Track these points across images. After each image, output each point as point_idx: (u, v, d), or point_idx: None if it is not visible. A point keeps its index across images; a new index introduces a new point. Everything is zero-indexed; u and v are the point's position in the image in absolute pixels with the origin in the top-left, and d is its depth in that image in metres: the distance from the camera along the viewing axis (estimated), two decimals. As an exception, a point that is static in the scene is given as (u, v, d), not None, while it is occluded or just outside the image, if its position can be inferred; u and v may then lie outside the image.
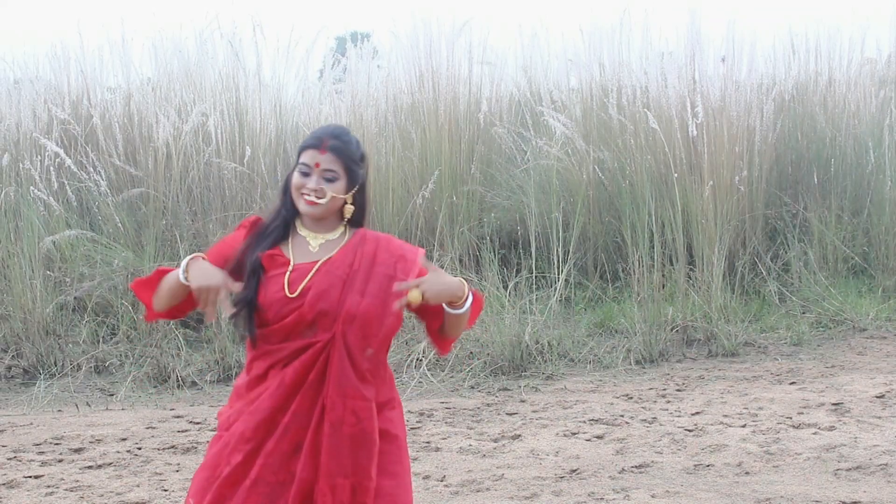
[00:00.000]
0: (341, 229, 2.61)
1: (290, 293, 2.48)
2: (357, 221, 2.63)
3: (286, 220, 2.59)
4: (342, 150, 2.55)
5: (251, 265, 2.51)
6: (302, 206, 2.55)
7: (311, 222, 2.58)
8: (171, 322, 6.95)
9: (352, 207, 2.59)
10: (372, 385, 2.50)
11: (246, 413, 2.47)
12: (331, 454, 2.43)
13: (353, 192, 2.59)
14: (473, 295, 2.58)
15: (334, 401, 2.45)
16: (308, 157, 2.54)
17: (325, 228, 2.59)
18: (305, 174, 2.54)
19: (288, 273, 2.50)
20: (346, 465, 2.43)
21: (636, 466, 4.75)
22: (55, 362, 6.74)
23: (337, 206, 2.57)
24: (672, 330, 7.26)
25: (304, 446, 2.43)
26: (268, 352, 2.50)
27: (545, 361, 6.82)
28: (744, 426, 5.35)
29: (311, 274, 2.50)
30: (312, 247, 2.56)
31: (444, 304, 2.54)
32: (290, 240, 2.58)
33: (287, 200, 2.59)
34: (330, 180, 2.53)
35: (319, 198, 2.53)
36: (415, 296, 2.45)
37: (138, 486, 4.58)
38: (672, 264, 7.63)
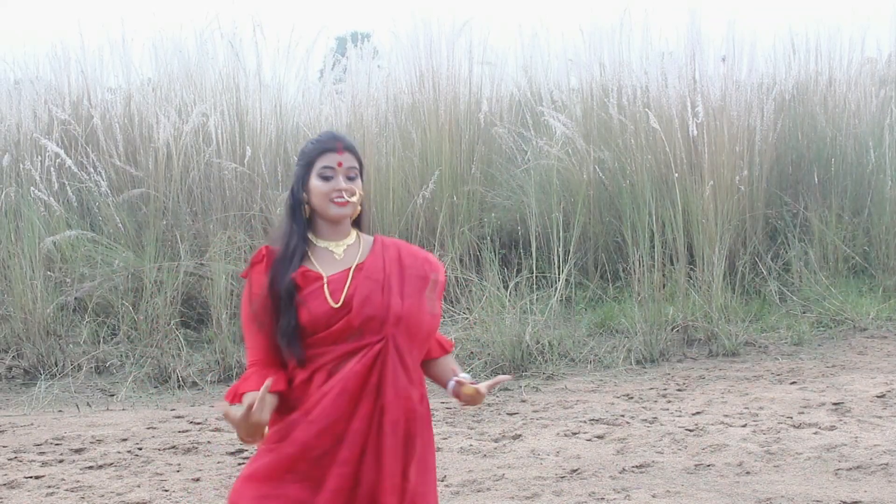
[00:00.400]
0: (354, 233, 2.61)
1: (335, 303, 2.47)
2: (360, 221, 2.63)
3: (303, 237, 2.55)
4: (355, 148, 2.59)
5: (285, 290, 2.47)
6: (334, 210, 2.53)
7: (329, 230, 2.57)
8: (172, 322, 6.95)
9: (359, 207, 2.59)
10: (417, 389, 2.55)
11: (304, 422, 2.44)
12: (391, 455, 2.45)
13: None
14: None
15: (392, 402, 2.47)
16: (329, 160, 2.53)
17: (342, 234, 2.58)
18: (328, 178, 2.53)
19: (325, 285, 2.49)
20: (399, 465, 2.47)
21: (637, 466, 4.75)
22: (56, 363, 6.74)
23: (357, 206, 2.58)
24: (673, 330, 7.26)
25: (367, 450, 2.45)
26: (309, 357, 2.48)
27: (546, 361, 6.82)
28: (744, 426, 5.35)
29: (348, 281, 2.50)
30: (337, 255, 2.55)
31: (455, 384, 2.63)
32: (310, 256, 2.55)
33: (299, 217, 2.55)
34: (352, 178, 2.55)
35: (351, 196, 2.53)
36: (469, 392, 2.58)
37: (139, 486, 4.58)
38: (672, 264, 7.63)
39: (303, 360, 2.47)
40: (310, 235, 2.57)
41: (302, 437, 2.43)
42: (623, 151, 8.24)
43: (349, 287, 2.49)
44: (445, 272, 2.66)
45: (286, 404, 2.49)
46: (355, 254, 2.56)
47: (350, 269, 2.52)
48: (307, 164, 2.55)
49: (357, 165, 2.56)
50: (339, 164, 2.53)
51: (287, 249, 2.53)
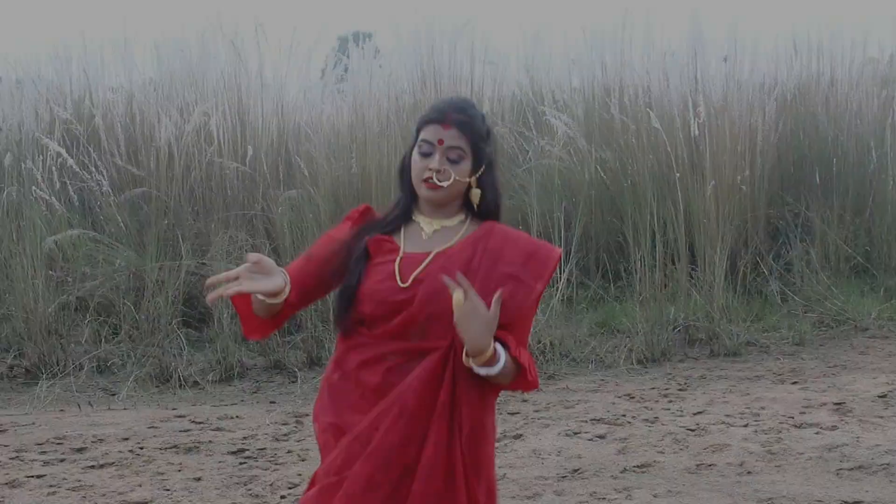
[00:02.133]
0: (461, 216, 2.26)
1: (403, 282, 2.15)
2: (487, 211, 2.27)
3: (406, 208, 2.28)
4: (468, 125, 2.20)
5: (358, 252, 2.22)
6: (423, 191, 2.21)
7: (426, 206, 2.25)
8: (173, 322, 6.95)
9: (478, 192, 2.24)
10: (490, 413, 2.23)
11: (363, 455, 2.11)
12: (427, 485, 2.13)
13: (479, 174, 2.23)
14: (523, 367, 2.14)
15: (468, 418, 2.13)
16: (430, 133, 2.19)
17: (444, 214, 2.25)
18: (427, 154, 2.19)
19: (398, 260, 2.19)
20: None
21: (638, 466, 4.75)
22: (57, 362, 6.73)
23: (460, 191, 2.23)
24: (674, 329, 7.26)
25: (448, 480, 2.14)
26: (362, 344, 2.19)
27: (547, 361, 6.82)
28: (746, 426, 5.35)
29: (423, 264, 2.17)
30: (426, 233, 2.23)
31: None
32: (403, 228, 2.27)
33: (406, 184, 2.27)
34: (454, 161, 2.19)
35: (441, 181, 2.19)
36: (458, 297, 2.05)
37: (140, 485, 4.58)
38: (674, 264, 7.62)
39: (346, 327, 2.21)
40: (414, 206, 2.29)
41: (365, 471, 2.11)
42: (625, 151, 8.23)
43: (422, 269, 2.16)
44: (558, 261, 2.23)
45: (331, 396, 2.21)
46: (449, 237, 2.23)
47: (431, 252, 2.19)
48: (415, 131, 2.24)
49: (462, 146, 2.18)
50: (440, 142, 2.18)
51: (385, 217, 2.31)
